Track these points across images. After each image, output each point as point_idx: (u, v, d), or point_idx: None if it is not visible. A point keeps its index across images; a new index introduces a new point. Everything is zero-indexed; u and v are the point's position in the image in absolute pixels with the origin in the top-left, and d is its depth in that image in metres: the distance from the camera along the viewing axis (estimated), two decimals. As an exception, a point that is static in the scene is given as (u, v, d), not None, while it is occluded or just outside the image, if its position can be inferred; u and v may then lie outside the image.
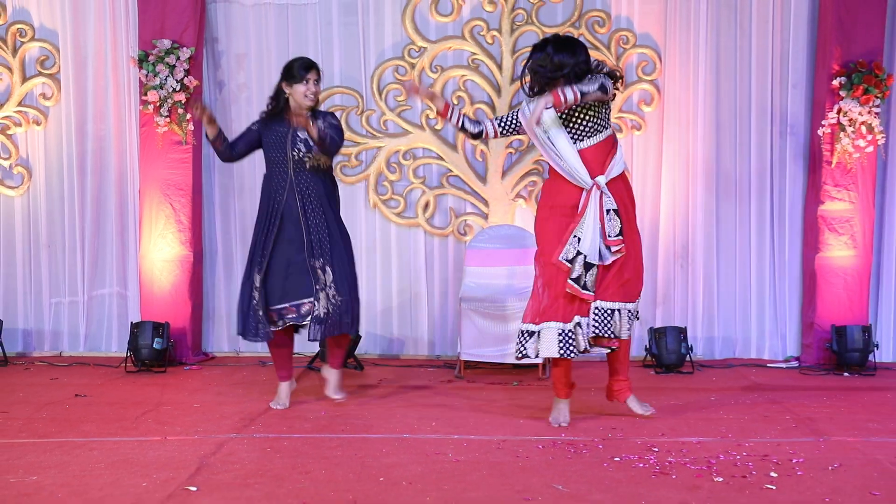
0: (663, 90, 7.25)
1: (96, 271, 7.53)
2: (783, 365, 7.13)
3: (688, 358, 6.86)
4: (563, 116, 5.02)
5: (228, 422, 5.25)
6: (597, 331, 5.05)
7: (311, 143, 5.44)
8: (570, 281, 4.98)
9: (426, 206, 7.42)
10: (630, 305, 5.13)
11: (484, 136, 5.25)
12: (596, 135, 5.04)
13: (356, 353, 6.93)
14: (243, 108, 7.37)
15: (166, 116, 7.01)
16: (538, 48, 5.10)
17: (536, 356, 5.12)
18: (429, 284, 7.48)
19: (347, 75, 7.42)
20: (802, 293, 7.29)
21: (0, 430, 5.07)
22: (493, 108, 7.35)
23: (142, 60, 7.03)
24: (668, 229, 7.35)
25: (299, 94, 5.49)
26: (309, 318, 5.49)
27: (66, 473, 4.25)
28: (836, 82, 6.87)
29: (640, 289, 5.20)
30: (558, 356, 5.03)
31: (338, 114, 7.36)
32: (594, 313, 5.05)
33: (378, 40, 7.43)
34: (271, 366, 6.84)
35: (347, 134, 7.36)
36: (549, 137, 5.05)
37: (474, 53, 7.36)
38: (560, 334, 5.00)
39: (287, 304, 5.53)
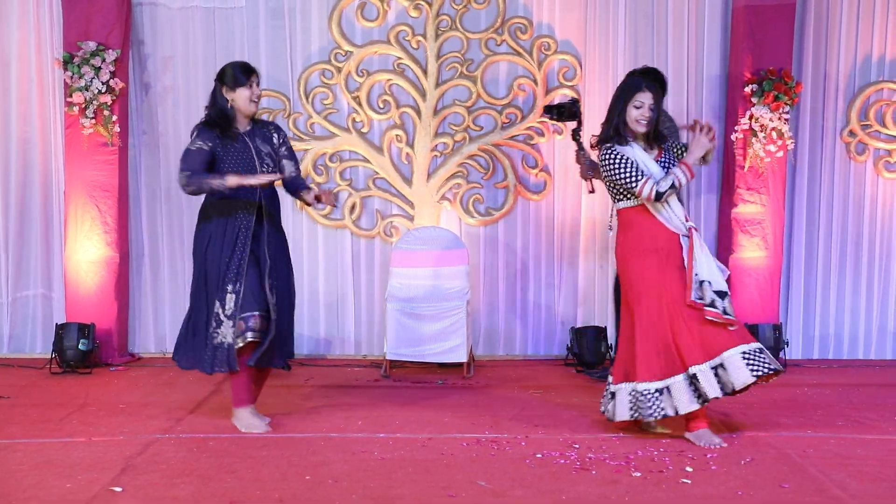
0: (584, 95, 7.39)
1: (20, 272, 7.44)
2: (698, 363, 7.30)
3: (608, 356, 6.98)
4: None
5: (155, 422, 5.22)
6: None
7: (275, 156, 5.18)
8: (707, 308, 4.79)
9: (353, 208, 7.46)
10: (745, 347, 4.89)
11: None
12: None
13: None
14: (170, 111, 7.36)
15: (92, 118, 6.96)
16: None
17: (676, 413, 4.79)
18: (356, 285, 7.52)
19: (274, 78, 7.44)
20: (717, 293, 7.46)
21: (-77, 434, 5.01)
22: (418, 111, 7.42)
23: (66, 62, 6.96)
24: (588, 231, 7.48)
25: (244, 98, 5.08)
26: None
27: (-8, 476, 4.20)
28: (747, 89, 7.05)
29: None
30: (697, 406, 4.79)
31: (264, 117, 7.39)
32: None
33: (305, 44, 7.44)
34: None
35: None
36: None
37: (400, 58, 7.43)
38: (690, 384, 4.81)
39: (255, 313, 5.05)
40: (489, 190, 7.49)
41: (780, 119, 7.04)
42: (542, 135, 7.44)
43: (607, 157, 4.90)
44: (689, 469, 4.35)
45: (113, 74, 6.98)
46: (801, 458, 4.54)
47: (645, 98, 4.89)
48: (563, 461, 4.49)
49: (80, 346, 6.75)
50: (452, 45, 7.42)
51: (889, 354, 7.54)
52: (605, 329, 7.08)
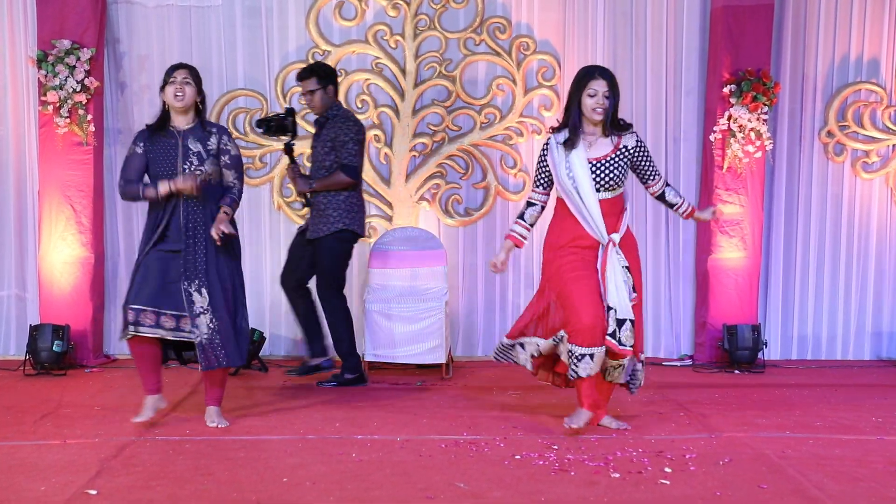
0: (562, 96, 7.36)
1: (-7, 273, 7.38)
2: (677, 363, 7.32)
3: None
4: (594, 168, 4.92)
5: (130, 425, 5.17)
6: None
7: (204, 157, 5.14)
8: (606, 337, 4.87)
9: (330, 208, 7.42)
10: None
11: (545, 206, 5.18)
12: (615, 189, 4.96)
13: (260, 354, 6.92)
14: (146, 110, 7.27)
15: (66, 117, 6.90)
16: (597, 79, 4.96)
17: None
18: (333, 286, 7.49)
19: (251, 78, 7.40)
20: (696, 294, 7.49)
21: None
22: (396, 111, 7.40)
23: (40, 61, 6.90)
24: (567, 232, 7.47)
25: (169, 96, 5.13)
26: (184, 338, 5.08)
27: (-36, 479, 4.15)
28: (726, 90, 7.07)
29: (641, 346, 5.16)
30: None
31: (241, 117, 7.36)
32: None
33: (282, 43, 7.41)
34: (175, 367, 6.80)
35: (251, 136, 7.36)
36: (575, 184, 4.93)
37: (378, 58, 7.40)
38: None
39: (148, 308, 5.03)
40: (468, 190, 7.48)
41: (758, 119, 7.06)
42: (521, 135, 7.43)
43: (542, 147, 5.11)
44: (667, 470, 4.35)
45: (88, 73, 6.92)
46: (779, 459, 4.54)
47: (598, 86, 4.90)
48: (541, 462, 4.48)
49: (55, 348, 6.69)
50: (431, 44, 7.41)
51: (867, 355, 7.59)
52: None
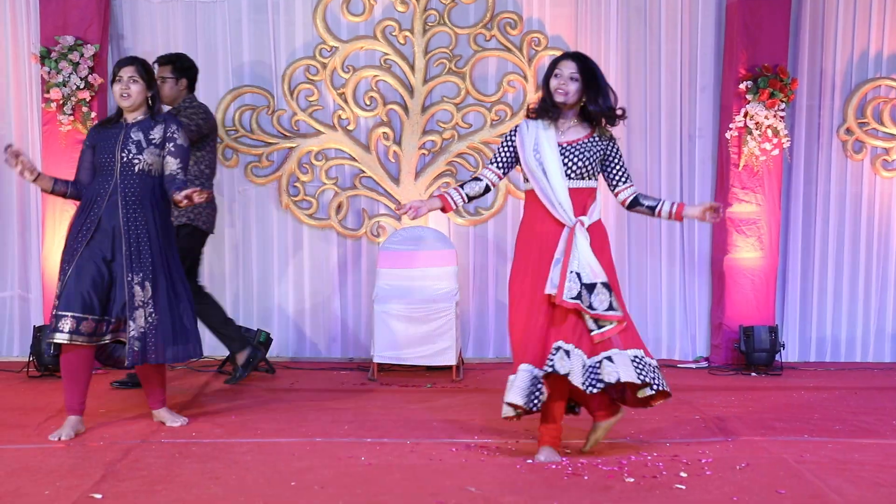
0: (575, 92, 7.30)
1: (-3, 274, 7.32)
2: (693, 365, 7.25)
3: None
4: (563, 151, 4.72)
5: (136, 427, 5.14)
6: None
7: (143, 146, 5.01)
8: (570, 300, 4.53)
9: (339, 207, 7.36)
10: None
11: (492, 188, 4.89)
12: (586, 179, 4.74)
13: (267, 356, 6.84)
14: (150, 107, 7.24)
15: (70, 115, 6.85)
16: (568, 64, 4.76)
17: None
18: (342, 286, 7.42)
19: (257, 74, 7.33)
20: (711, 294, 7.42)
21: None
22: (405, 108, 7.32)
23: (44, 57, 6.84)
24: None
25: (116, 95, 5.07)
26: (123, 338, 4.96)
27: (-36, 483, 4.11)
28: (742, 86, 7.00)
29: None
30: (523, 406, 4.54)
31: (247, 114, 7.29)
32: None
33: (289, 39, 7.35)
34: (179, 369, 6.76)
35: (258, 134, 7.28)
36: (543, 167, 4.72)
37: (386, 54, 7.33)
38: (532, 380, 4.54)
39: (85, 316, 4.88)
40: (478, 189, 7.38)
41: (775, 116, 6.99)
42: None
43: None
44: (683, 475, 4.29)
45: (92, 70, 6.86)
46: (797, 463, 4.49)
47: (564, 68, 4.70)
48: (554, 466, 4.43)
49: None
50: (440, 40, 7.33)
51: (887, 357, 7.50)
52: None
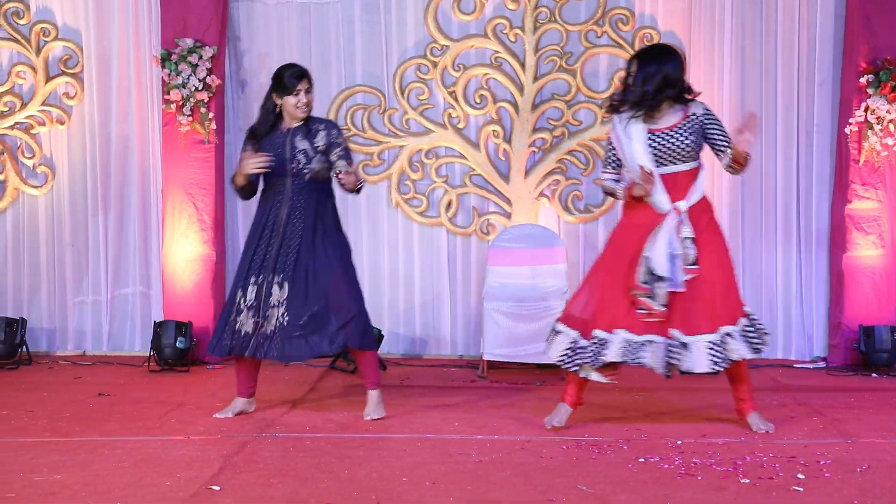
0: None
1: (119, 270, 7.52)
2: (810, 366, 7.08)
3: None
4: (652, 140, 4.88)
5: (251, 421, 5.24)
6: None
7: (311, 155, 5.19)
8: (641, 297, 4.84)
9: (449, 205, 7.39)
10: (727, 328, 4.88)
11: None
12: (685, 162, 4.89)
13: (378, 352, 6.89)
14: (266, 108, 7.37)
15: (189, 115, 7.01)
16: (631, 61, 5.07)
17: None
18: (451, 284, 7.45)
19: (369, 74, 7.40)
20: (829, 293, 7.22)
21: (24, 429, 5.08)
22: (515, 106, 7.31)
23: (164, 59, 7.02)
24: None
25: (290, 106, 5.19)
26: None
27: (90, 472, 4.24)
28: (863, 80, 6.82)
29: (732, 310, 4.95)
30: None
31: (359, 113, 7.37)
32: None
33: (400, 39, 7.40)
34: (289, 365, 6.86)
35: (370, 133, 7.36)
36: (634, 157, 4.89)
37: (497, 52, 7.32)
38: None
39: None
40: (589, 186, 7.34)
41: (897, 111, 6.78)
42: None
43: None
44: (800, 476, 4.21)
45: (209, 71, 7.01)
46: (922, 466, 4.35)
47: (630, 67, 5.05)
48: (666, 466, 4.37)
49: (178, 344, 6.81)
50: (551, 37, 7.30)
51: None
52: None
